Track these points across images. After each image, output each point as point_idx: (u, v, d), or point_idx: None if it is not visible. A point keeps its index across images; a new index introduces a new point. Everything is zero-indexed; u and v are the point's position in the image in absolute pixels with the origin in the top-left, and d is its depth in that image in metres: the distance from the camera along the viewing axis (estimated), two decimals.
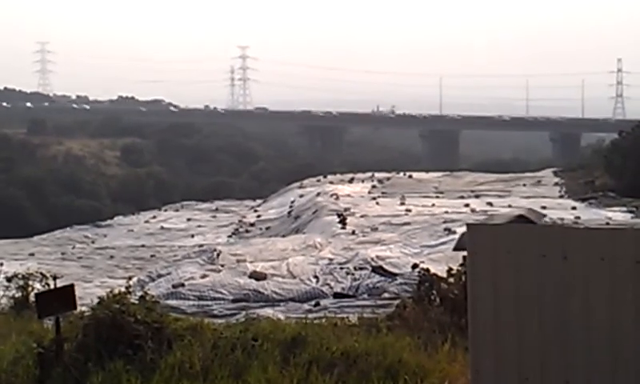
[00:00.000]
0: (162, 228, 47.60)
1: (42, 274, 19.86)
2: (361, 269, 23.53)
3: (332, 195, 45.99)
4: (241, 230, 45.05)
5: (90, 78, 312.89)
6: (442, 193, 47.11)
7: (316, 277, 23.28)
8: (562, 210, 38.45)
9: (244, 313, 19.88)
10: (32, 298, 17.94)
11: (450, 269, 16.53)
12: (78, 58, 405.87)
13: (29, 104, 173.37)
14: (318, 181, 56.29)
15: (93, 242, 44.14)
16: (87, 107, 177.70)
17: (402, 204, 41.51)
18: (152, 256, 37.47)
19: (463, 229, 22.69)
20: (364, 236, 32.56)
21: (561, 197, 45.11)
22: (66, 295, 13.97)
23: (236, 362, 13.38)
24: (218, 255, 27.80)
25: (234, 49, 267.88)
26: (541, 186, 49.76)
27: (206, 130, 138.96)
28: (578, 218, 35.01)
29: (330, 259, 25.83)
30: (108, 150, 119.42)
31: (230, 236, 42.99)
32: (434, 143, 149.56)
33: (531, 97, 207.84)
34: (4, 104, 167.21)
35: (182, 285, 23.20)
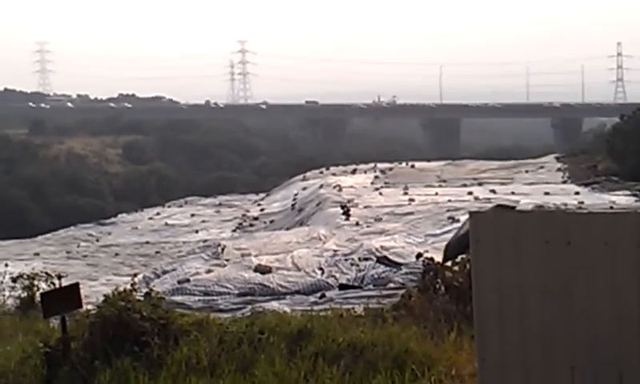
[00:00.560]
0: (166, 224, 47.64)
1: (47, 273, 19.89)
2: (365, 259, 23.56)
3: (335, 187, 46.00)
4: (245, 224, 45.09)
5: (90, 76, 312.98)
6: (444, 181, 47.12)
7: (321, 269, 23.31)
8: (565, 195, 38.46)
9: (250, 307, 19.92)
10: (38, 297, 17.95)
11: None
12: (77, 56, 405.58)
13: (31, 104, 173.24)
14: (321, 173, 56.31)
15: (97, 241, 44.20)
16: (87, 106, 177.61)
17: (405, 194, 41.52)
18: (157, 252, 37.53)
19: (467, 217, 22.68)
20: (368, 227, 32.58)
21: (564, 182, 45.11)
22: (72, 294, 13.98)
23: (243, 356, 13.40)
24: (223, 250, 27.82)
25: (234, 43, 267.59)
26: (544, 172, 49.76)
27: (207, 125, 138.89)
28: (582, 202, 35.00)
29: (335, 251, 25.86)
30: (110, 148, 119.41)
31: (234, 230, 43.04)
32: (435, 132, 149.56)
33: (531, 83, 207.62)
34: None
35: (188, 280, 23.22)
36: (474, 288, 9.07)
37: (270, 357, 13.20)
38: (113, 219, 52.82)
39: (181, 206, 55.98)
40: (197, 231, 44.25)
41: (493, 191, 40.59)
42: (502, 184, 44.28)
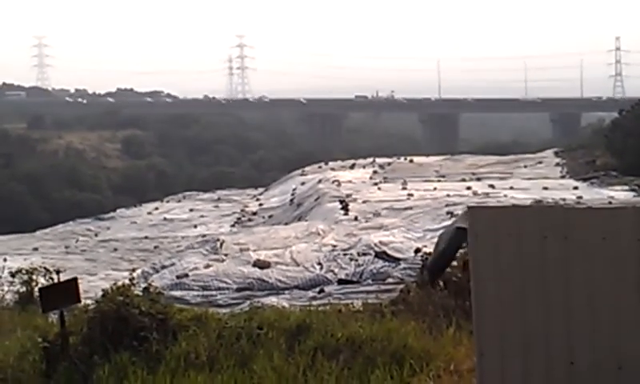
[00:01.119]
0: (165, 219, 47.56)
1: (45, 268, 19.92)
2: (364, 254, 23.52)
3: (334, 182, 45.94)
4: (243, 219, 45.03)
5: (88, 70, 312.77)
6: (443, 176, 47.05)
7: (320, 264, 23.28)
8: (563, 190, 38.43)
9: (248, 302, 19.91)
10: (36, 292, 17.97)
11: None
12: (75, 51, 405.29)
13: (21, 93, 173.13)
14: (320, 168, 56.22)
15: (96, 235, 44.13)
16: (85, 101, 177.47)
17: (404, 188, 41.47)
18: (155, 247, 37.48)
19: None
20: (366, 222, 32.53)
21: (562, 177, 45.05)
22: (70, 289, 14.01)
23: (241, 351, 13.42)
24: (222, 245, 27.78)
25: (232, 38, 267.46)
26: (542, 167, 49.67)
27: (206, 120, 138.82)
28: (580, 197, 34.96)
29: (334, 246, 25.82)
30: (108, 142, 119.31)
31: (232, 225, 42.97)
32: (433, 127, 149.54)
33: (530, 78, 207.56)
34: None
35: (186, 275, 23.19)
36: (473, 283, 9.08)
37: (269, 352, 13.22)
38: (111, 214, 52.70)
39: (179, 201, 55.87)
40: (195, 226, 44.19)
41: (491, 186, 40.55)
42: (501, 179, 44.21)
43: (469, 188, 40.11)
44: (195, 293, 21.65)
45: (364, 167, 53.79)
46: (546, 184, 40.38)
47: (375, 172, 50.56)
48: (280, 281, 21.97)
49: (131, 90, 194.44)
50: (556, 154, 55.56)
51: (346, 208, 36.36)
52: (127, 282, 15.60)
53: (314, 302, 18.72)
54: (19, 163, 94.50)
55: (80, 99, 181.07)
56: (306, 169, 56.69)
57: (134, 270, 23.06)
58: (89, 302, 15.22)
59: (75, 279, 14.72)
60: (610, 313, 8.41)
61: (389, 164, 54.24)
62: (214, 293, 21.51)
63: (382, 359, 12.67)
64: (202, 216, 47.74)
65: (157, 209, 52.42)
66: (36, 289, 18.71)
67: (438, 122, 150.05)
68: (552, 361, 8.63)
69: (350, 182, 45.95)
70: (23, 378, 13.33)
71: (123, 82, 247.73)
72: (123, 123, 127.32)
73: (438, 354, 12.86)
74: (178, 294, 21.18)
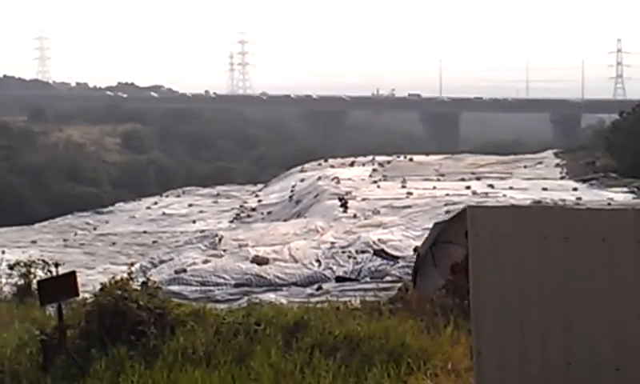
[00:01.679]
0: (164, 214, 47.57)
1: (44, 261, 19.89)
2: (363, 252, 23.54)
3: (333, 179, 45.97)
4: (242, 214, 45.03)
5: (89, 64, 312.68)
6: (442, 175, 47.08)
7: (318, 261, 23.30)
8: (563, 191, 38.47)
9: (246, 298, 19.92)
10: (34, 285, 17.97)
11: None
12: (76, 44, 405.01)
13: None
14: (319, 165, 56.24)
15: (95, 229, 44.16)
16: (86, 95, 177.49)
17: (403, 187, 41.51)
18: (154, 242, 37.50)
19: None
20: (365, 219, 32.56)
21: (562, 178, 45.10)
22: (68, 282, 14.00)
23: (239, 347, 13.42)
24: (220, 240, 27.81)
25: (233, 33, 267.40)
26: (542, 168, 49.71)
27: (206, 115, 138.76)
28: (580, 198, 35.01)
29: (332, 243, 25.84)
30: (108, 136, 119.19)
31: (231, 221, 42.98)
32: (434, 126, 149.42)
33: (531, 78, 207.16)
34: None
35: (184, 270, 23.21)
36: (472, 282, 9.06)
37: (266, 348, 13.21)
38: (110, 208, 52.71)
39: (178, 196, 55.86)
40: (194, 221, 44.20)
41: (491, 186, 40.61)
42: (500, 179, 44.25)
43: (468, 187, 40.16)
44: (193, 288, 21.67)
45: (364, 165, 53.80)
46: (545, 184, 40.43)
47: (375, 170, 50.58)
48: (278, 277, 21.98)
49: (132, 84, 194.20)
50: (556, 154, 55.59)
51: (345, 205, 36.39)
52: (125, 276, 15.58)
53: (312, 299, 18.72)
54: (19, 156, 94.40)
55: (82, 92, 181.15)
56: (306, 166, 56.67)
57: (132, 264, 23.03)
58: (87, 295, 15.21)
59: (73, 272, 14.72)
60: (608, 314, 8.40)
61: (388, 162, 54.25)
62: (212, 288, 21.53)
63: (380, 357, 12.67)
64: (200, 211, 47.75)
65: (156, 203, 52.42)
66: (34, 282, 18.71)
67: (438, 121, 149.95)
68: (550, 361, 8.62)
69: (349, 179, 45.98)
70: (20, 370, 13.32)
71: (124, 77, 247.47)
72: (123, 117, 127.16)
73: (436, 353, 12.85)
74: (176, 288, 21.20)
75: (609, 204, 32.15)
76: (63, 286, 13.86)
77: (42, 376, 13.08)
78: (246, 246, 26.48)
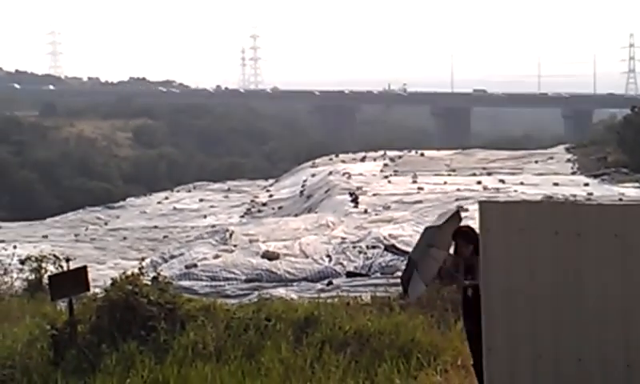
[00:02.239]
0: (175, 209, 47.58)
1: (55, 256, 19.93)
2: (373, 247, 23.49)
3: (344, 174, 45.91)
4: (253, 209, 45.01)
5: (101, 59, 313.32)
6: (453, 170, 46.96)
7: (329, 256, 23.26)
8: (574, 186, 38.34)
9: (257, 293, 19.90)
10: (45, 280, 17.99)
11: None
12: (88, 39, 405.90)
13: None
14: (330, 160, 56.18)
15: (106, 224, 44.20)
16: (98, 89, 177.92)
17: (414, 182, 41.42)
18: (165, 237, 37.51)
19: (475, 206, 22.58)
20: (376, 214, 32.49)
21: (573, 173, 44.94)
22: (79, 277, 14.01)
23: (249, 342, 13.41)
24: (231, 235, 27.78)
25: (245, 28, 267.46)
26: (553, 163, 49.54)
27: (218, 110, 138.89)
28: (591, 194, 34.88)
29: (343, 238, 25.78)
30: (120, 131, 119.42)
31: (242, 216, 42.97)
32: (445, 121, 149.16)
33: (543, 73, 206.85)
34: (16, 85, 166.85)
35: (195, 265, 23.20)
36: (482, 278, 9.04)
37: (277, 343, 13.21)
38: (121, 203, 52.73)
39: (189, 191, 55.85)
40: (205, 216, 44.20)
41: (502, 181, 40.51)
42: (512, 174, 44.13)
43: (479, 182, 40.07)
44: (204, 283, 21.66)
45: (375, 160, 53.69)
46: (556, 180, 40.29)
47: (386, 165, 50.48)
48: (289, 272, 21.96)
49: (143, 79, 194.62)
50: (567, 149, 55.42)
51: (355, 200, 36.34)
52: (136, 271, 15.59)
53: (323, 295, 18.71)
54: (31, 151, 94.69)
55: (93, 87, 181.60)
56: (317, 161, 56.61)
57: (142, 259, 22.96)
58: (97, 290, 15.24)
59: (84, 267, 14.74)
60: (620, 310, 8.37)
61: (400, 157, 54.13)
62: (222, 283, 21.52)
63: (390, 353, 12.65)
64: (211, 206, 47.74)
65: (167, 198, 52.44)
66: (45, 276, 18.74)
67: (449, 116, 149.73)
68: (560, 357, 8.60)
69: (360, 174, 45.89)
70: (31, 365, 13.35)
71: (136, 72, 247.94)
72: (135, 112, 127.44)
73: (446, 349, 12.83)
74: (186, 284, 21.20)
75: (620, 199, 32.04)
76: (74, 280, 13.88)
77: (52, 371, 13.09)
78: (257, 241, 26.45)
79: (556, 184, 38.67)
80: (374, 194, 37.94)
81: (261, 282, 21.49)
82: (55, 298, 14.38)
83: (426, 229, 10.99)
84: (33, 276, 20.41)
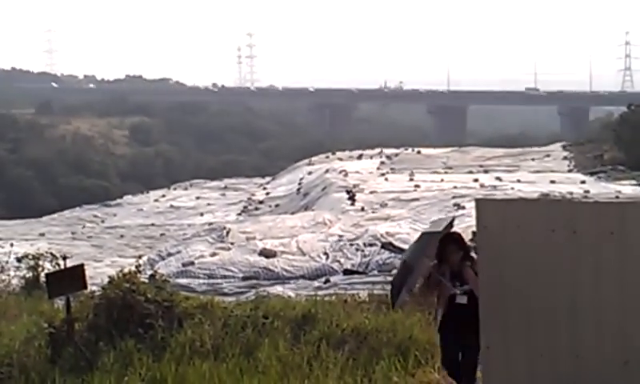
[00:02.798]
0: (172, 207, 47.66)
1: (52, 253, 19.94)
2: (370, 245, 23.53)
3: (341, 172, 45.96)
4: (250, 207, 45.07)
5: (97, 57, 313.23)
6: (450, 168, 47.06)
7: (326, 254, 23.29)
8: (571, 183, 38.42)
9: (254, 291, 19.94)
10: (42, 278, 18.00)
11: None
12: (84, 37, 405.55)
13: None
14: (327, 158, 56.29)
15: (102, 222, 44.25)
16: (94, 87, 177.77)
17: (411, 180, 41.50)
18: (162, 235, 37.56)
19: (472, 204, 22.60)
20: (373, 212, 32.54)
21: (570, 171, 45.05)
22: (77, 275, 14.00)
23: (247, 340, 13.42)
24: (228, 233, 27.81)
25: (241, 26, 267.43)
26: (550, 161, 49.65)
27: (214, 108, 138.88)
28: (588, 191, 34.96)
29: (340, 236, 25.82)
30: (116, 129, 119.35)
31: (239, 214, 43.02)
32: (441, 119, 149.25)
33: (539, 71, 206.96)
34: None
35: (192, 263, 23.23)
36: (480, 275, 9.06)
37: (274, 341, 13.22)
38: (118, 201, 52.81)
39: (186, 189, 55.93)
40: (202, 214, 44.26)
41: (498, 179, 40.59)
42: (508, 172, 44.24)
43: (476, 180, 40.15)
44: (201, 281, 21.70)
45: (371, 158, 53.80)
46: (553, 177, 40.38)
47: (382, 163, 50.59)
48: (286, 270, 22.00)
49: (140, 77, 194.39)
50: (564, 147, 55.52)
51: (352, 198, 36.40)
52: (133, 268, 15.60)
53: (320, 292, 18.73)
54: (27, 149, 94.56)
55: (90, 85, 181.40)
56: (314, 158, 56.70)
57: (140, 256, 23.07)
58: (95, 288, 15.23)
59: (82, 265, 14.73)
60: (617, 307, 8.38)
61: (396, 155, 54.24)
62: (219, 281, 21.55)
63: (387, 350, 12.67)
64: (208, 204, 47.82)
65: (163, 196, 52.52)
66: (42, 274, 18.75)
67: (446, 114, 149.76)
68: (558, 354, 8.61)
69: (357, 172, 45.96)
70: (29, 363, 13.33)
71: (132, 69, 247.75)
72: (131, 110, 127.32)
73: None
74: (183, 281, 21.23)
75: (617, 197, 32.10)
76: (71, 278, 13.87)
77: (50, 369, 13.08)
78: (254, 238, 26.49)
79: (552, 182, 38.77)
80: (371, 192, 37.99)
81: (258, 279, 21.53)
82: (52, 296, 14.37)
83: (422, 234, 10.95)
84: (30, 274, 20.43)
